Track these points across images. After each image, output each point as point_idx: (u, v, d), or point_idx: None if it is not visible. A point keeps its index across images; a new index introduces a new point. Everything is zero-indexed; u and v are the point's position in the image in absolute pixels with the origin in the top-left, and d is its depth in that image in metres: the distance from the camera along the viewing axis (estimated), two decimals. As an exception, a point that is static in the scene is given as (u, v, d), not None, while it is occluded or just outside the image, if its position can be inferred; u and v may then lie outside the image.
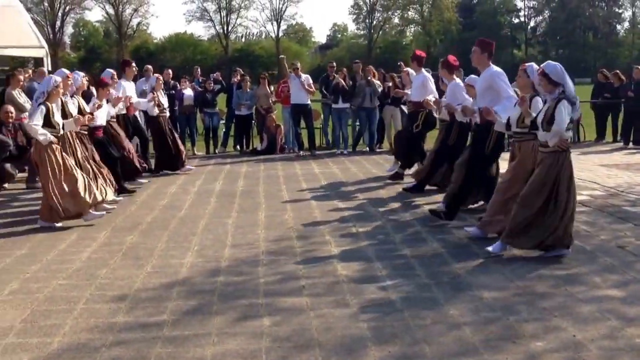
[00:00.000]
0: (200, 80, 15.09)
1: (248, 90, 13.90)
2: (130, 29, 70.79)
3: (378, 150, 13.68)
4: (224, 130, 14.68)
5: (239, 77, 14.40)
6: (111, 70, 9.94)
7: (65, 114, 7.42)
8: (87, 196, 7.15)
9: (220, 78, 15.24)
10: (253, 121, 14.49)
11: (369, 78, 13.22)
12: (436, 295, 4.76)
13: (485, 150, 6.75)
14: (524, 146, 6.09)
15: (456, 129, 8.13)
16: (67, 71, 7.84)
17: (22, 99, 10.28)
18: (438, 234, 6.59)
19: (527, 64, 6.22)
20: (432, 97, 8.70)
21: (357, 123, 13.95)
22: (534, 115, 5.71)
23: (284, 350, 3.88)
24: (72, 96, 7.94)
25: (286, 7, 71.94)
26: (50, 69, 11.77)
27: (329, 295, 4.80)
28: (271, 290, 4.93)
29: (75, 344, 3.99)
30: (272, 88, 14.65)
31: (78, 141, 7.73)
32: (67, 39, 72.00)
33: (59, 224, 7.13)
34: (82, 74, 8.53)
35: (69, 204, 7.03)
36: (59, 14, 67.36)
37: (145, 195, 8.97)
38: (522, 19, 75.44)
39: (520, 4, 75.09)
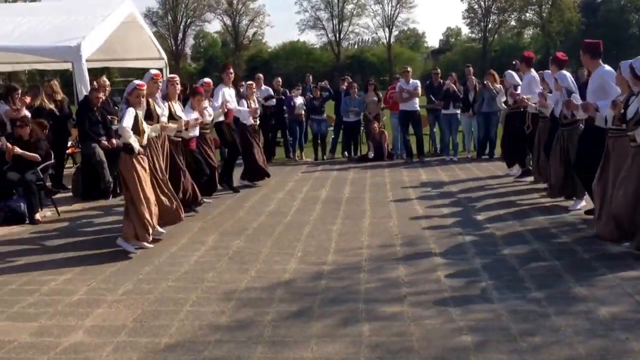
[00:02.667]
0: (311, 87, 15.30)
1: (356, 96, 13.94)
2: (246, 39, 72.99)
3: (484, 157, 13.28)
4: (332, 136, 14.79)
5: (346, 84, 14.49)
6: (207, 79, 9.33)
7: (151, 117, 6.91)
8: (152, 218, 6.61)
9: (329, 86, 15.36)
10: (361, 127, 14.53)
11: (485, 82, 12.87)
12: (546, 310, 4.54)
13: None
14: (618, 142, 5.99)
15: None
16: (154, 71, 7.27)
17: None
18: (549, 242, 6.31)
19: (623, 62, 6.06)
20: (532, 96, 8.96)
21: (473, 128, 13.58)
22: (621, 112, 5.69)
23: (383, 358, 3.84)
24: (164, 100, 7.45)
25: (398, 13, 71.56)
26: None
27: (431, 304, 4.70)
28: (372, 297, 4.90)
29: (181, 345, 4.14)
30: (381, 94, 14.61)
31: (162, 152, 7.10)
32: (188, 50, 75.41)
33: (151, 245, 6.70)
34: (153, 72, 7.27)
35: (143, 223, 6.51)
36: (181, 27, 70.67)
37: (253, 201, 9.20)
38: (652, 16, 70.57)
39: (650, 2, 70.35)
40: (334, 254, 6.18)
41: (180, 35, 70.73)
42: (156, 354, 4.03)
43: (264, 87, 13.89)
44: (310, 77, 16.62)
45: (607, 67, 6.74)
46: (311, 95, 14.35)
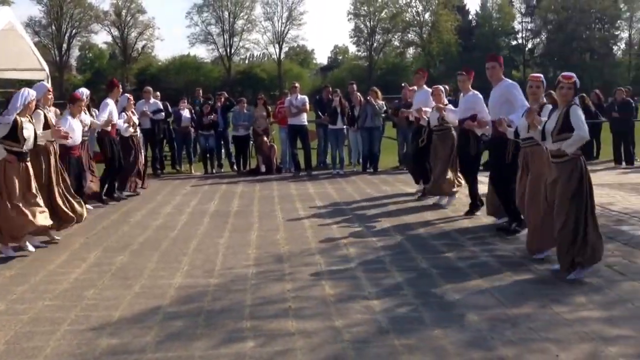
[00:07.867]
0: (201, 100, 15.12)
1: (245, 111, 13.96)
2: (135, 51, 71.16)
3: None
4: (218, 150, 14.64)
5: (222, 100, 14.45)
6: (84, 90, 9.85)
7: (48, 127, 7.29)
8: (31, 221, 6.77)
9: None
10: (250, 142, 14.56)
11: (368, 98, 13.31)
12: (422, 315, 4.74)
13: (506, 160, 6.99)
14: (537, 152, 6.15)
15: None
16: (48, 85, 7.76)
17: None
18: (428, 254, 6.58)
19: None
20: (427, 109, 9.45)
21: (358, 143, 13.95)
22: (539, 128, 5.64)
23: (266, 371, 3.87)
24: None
25: (288, 30, 72.37)
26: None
27: (316, 316, 4.78)
28: (257, 312, 4.90)
29: (57, 366, 3.98)
30: (270, 109, 14.71)
31: (51, 158, 7.39)
32: (73, 62, 72.57)
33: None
34: (49, 86, 7.89)
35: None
36: (66, 37, 67.89)
37: (139, 216, 8.98)
38: (520, 40, 75.67)
39: (518, 27, 75.40)
40: (221, 268, 6.15)
41: (65, 46, 67.95)
42: (30, 376, 3.85)
43: (152, 100, 13.65)
44: (201, 91, 16.42)
45: (510, 80, 7.38)
46: (202, 113, 14.20)
